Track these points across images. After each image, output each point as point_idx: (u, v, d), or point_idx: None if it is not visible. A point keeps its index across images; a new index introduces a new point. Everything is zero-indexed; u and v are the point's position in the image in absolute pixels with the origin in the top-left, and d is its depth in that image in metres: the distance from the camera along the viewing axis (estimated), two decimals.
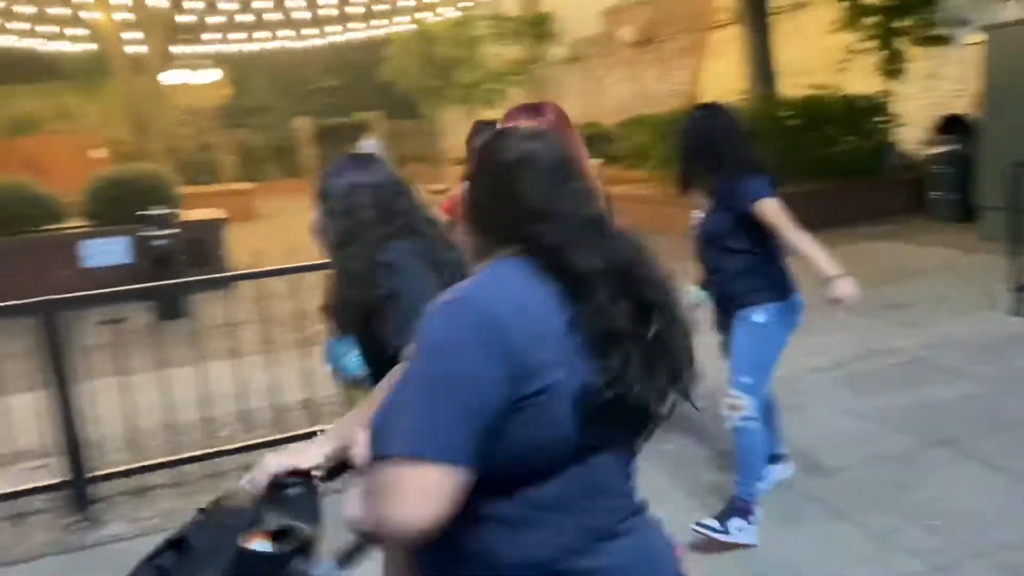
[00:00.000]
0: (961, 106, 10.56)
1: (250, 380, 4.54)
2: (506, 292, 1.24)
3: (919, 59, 11.37)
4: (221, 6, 18.89)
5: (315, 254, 4.04)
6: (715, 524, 3.26)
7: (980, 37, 9.69)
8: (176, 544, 1.43)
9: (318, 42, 23.13)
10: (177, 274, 7.42)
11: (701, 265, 3.49)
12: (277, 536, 1.41)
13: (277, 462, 1.58)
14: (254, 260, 4.46)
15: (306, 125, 26.57)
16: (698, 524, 3.26)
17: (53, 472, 4.07)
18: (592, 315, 1.22)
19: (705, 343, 3.47)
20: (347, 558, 1.42)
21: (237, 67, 24.34)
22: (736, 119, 3.40)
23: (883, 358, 5.40)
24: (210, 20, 19.65)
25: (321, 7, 19.68)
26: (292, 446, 1.73)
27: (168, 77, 19.50)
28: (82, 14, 17.71)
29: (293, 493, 1.53)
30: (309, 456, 1.61)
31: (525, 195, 1.32)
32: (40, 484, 4.04)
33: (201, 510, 1.51)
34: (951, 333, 5.78)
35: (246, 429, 4.52)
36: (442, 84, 21.68)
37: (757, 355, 3.29)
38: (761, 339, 3.28)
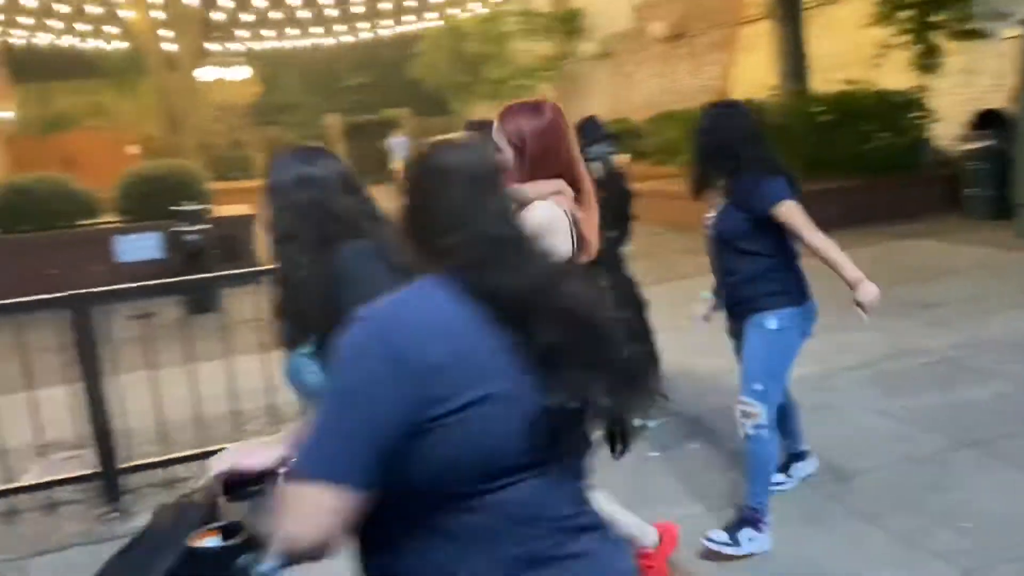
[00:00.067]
0: (998, 101, 10.36)
1: (278, 374, 4.57)
2: (419, 311, 1.22)
3: (955, 54, 11.17)
4: (253, 3, 19.05)
5: None
6: (724, 537, 3.21)
7: (1018, 31, 9.50)
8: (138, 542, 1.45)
9: (348, 39, 23.24)
10: (208, 269, 7.52)
11: (714, 268, 3.41)
12: (227, 533, 1.43)
13: (224, 462, 1.59)
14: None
15: (336, 122, 26.75)
16: (708, 539, 3.22)
17: (84, 463, 4.14)
18: (515, 334, 1.20)
19: (714, 349, 3.49)
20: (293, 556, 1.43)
21: (268, 64, 24.58)
22: (755, 118, 3.33)
23: (913, 357, 5.32)
24: (242, 18, 19.82)
25: (352, 4, 19.77)
26: (246, 444, 1.73)
27: (201, 74, 19.70)
28: (118, 12, 17.95)
29: (248, 491, 1.55)
30: (260, 457, 1.62)
31: (440, 209, 1.29)
32: (71, 475, 4.11)
33: (162, 507, 1.53)
34: (983, 333, 5.68)
35: (273, 423, 4.55)
36: (471, 80, 21.69)
37: (770, 362, 3.21)
38: (774, 345, 3.20)
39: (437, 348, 1.18)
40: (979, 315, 6.12)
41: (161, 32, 17.53)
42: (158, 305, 6.16)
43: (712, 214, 3.35)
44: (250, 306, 4.32)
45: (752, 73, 14.25)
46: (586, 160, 4.80)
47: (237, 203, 12.02)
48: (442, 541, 1.22)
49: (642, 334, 5.01)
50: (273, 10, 19.77)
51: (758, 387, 3.19)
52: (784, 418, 3.51)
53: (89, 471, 4.05)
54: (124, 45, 20.06)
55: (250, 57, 22.57)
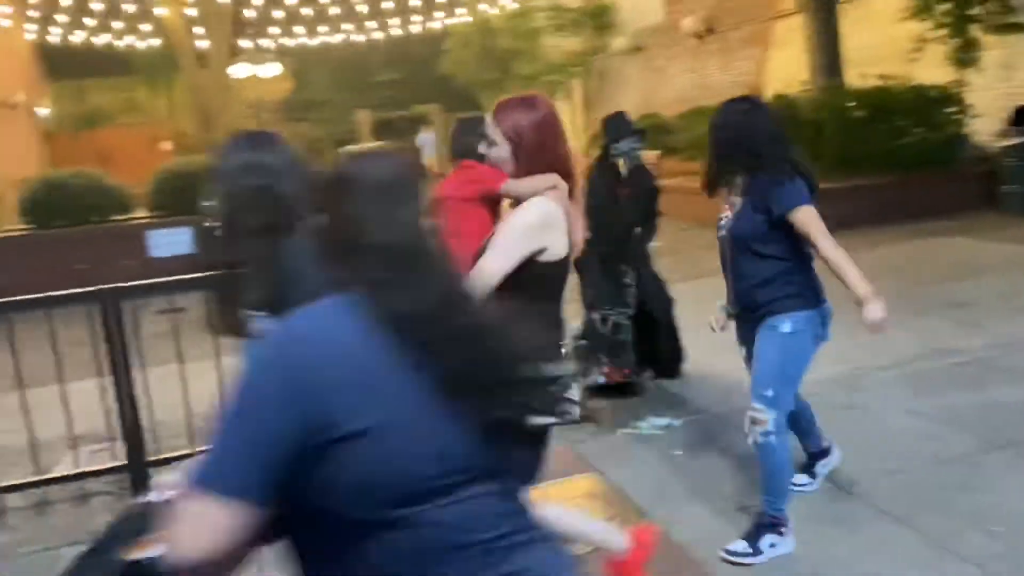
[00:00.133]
0: None
1: None
2: (321, 332, 1.20)
3: (994, 48, 10.95)
4: (285, 0, 19.19)
5: None
6: (744, 547, 3.16)
7: None
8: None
9: (379, 36, 23.32)
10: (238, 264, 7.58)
11: (726, 270, 3.30)
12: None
13: (172, 481, 1.58)
14: None
15: (366, 118, 26.87)
16: (726, 551, 3.17)
17: (115, 456, 4.20)
18: (417, 357, 1.18)
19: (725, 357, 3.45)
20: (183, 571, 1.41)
21: (299, 61, 24.74)
22: (776, 116, 3.24)
23: (945, 357, 5.23)
24: (274, 14, 19.97)
25: (382, 0, 19.84)
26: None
27: (233, 71, 19.89)
28: (151, 10, 18.17)
29: None
30: None
31: (345, 220, 1.26)
32: (102, 467, 4.17)
33: (109, 521, 1.53)
34: (1016, 332, 5.57)
35: None
36: (501, 76, 21.67)
37: (782, 367, 3.10)
38: (787, 350, 3.09)
39: (336, 371, 1.16)
40: (1012, 314, 6.00)
41: (194, 29, 17.72)
42: (188, 300, 6.23)
43: (727, 214, 3.25)
44: None
45: (785, 68, 14.09)
46: (612, 156, 4.84)
47: None
48: (366, 566, 1.20)
49: (669, 332, 4.99)
50: (304, 7, 19.89)
51: (768, 393, 3.09)
52: (796, 419, 3.42)
53: (119, 463, 4.11)
54: (157, 42, 20.29)
55: (281, 54, 22.74)
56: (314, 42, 22.83)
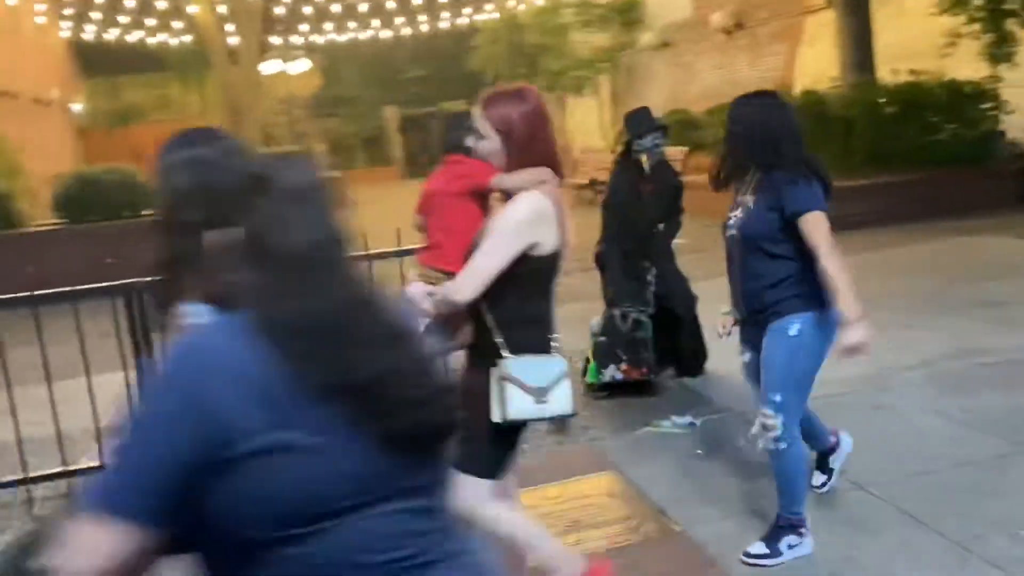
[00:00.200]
0: None
1: None
2: (221, 348, 1.16)
3: None
4: None
5: (387, 241, 4.10)
6: (762, 548, 3.12)
7: None
8: None
9: (407, 32, 23.41)
10: None
11: (732, 270, 3.21)
12: None
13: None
14: None
15: (394, 115, 26.98)
16: (745, 554, 3.13)
17: None
18: (319, 366, 1.15)
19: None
20: None
21: (328, 58, 24.89)
22: (795, 114, 3.15)
23: (975, 357, 5.14)
24: (303, 11, 20.12)
25: None
26: None
27: (263, 68, 20.06)
28: (183, 8, 18.39)
29: None
30: None
31: (252, 224, 1.21)
32: None
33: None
34: None
35: None
36: (529, 72, 21.65)
37: (792, 370, 3.02)
38: (796, 353, 3.00)
39: (235, 388, 1.12)
40: None
41: (224, 27, 17.90)
42: None
43: (737, 212, 3.14)
44: None
45: (814, 64, 13.93)
46: (635, 152, 4.81)
47: None
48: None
49: (691, 330, 4.95)
50: (333, 3, 20.01)
51: (777, 398, 3.02)
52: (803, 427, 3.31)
53: None
54: (189, 39, 20.53)
55: (310, 50, 22.90)
56: (343, 39, 22.97)
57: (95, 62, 22.46)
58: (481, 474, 2.48)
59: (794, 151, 3.01)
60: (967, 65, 10.91)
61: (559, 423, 2.58)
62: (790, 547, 3.12)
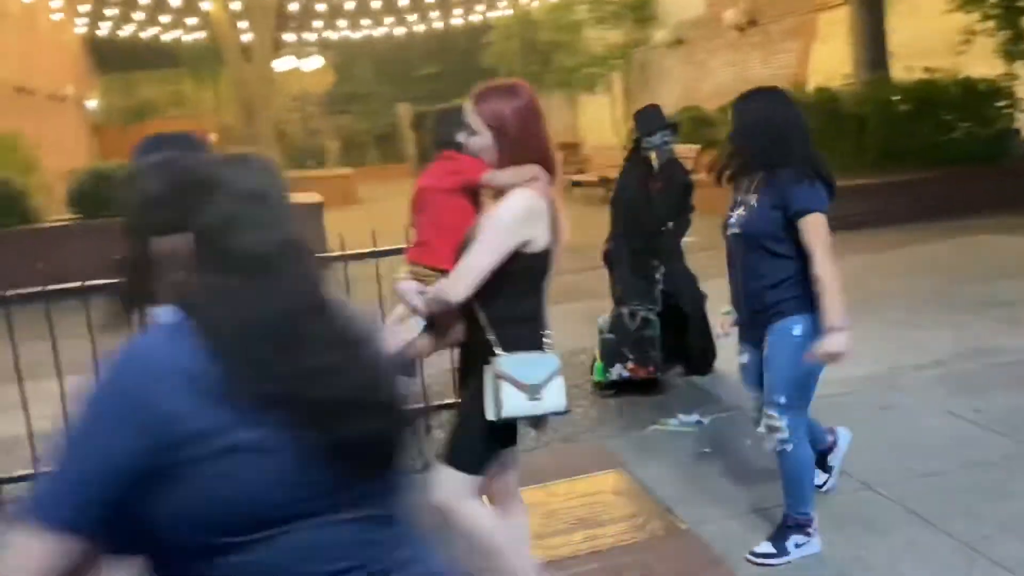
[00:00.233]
0: None
1: None
2: (163, 354, 1.14)
3: None
4: None
5: (398, 238, 4.10)
6: (768, 548, 3.12)
7: None
8: None
9: (420, 29, 23.43)
10: None
11: (733, 270, 3.18)
12: None
13: None
14: (336, 244, 4.55)
15: (407, 112, 27.01)
16: (753, 554, 3.12)
17: None
18: (263, 371, 1.12)
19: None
20: None
21: (342, 54, 24.94)
22: (801, 112, 3.11)
23: (987, 357, 5.10)
24: (316, 8, 20.16)
25: None
26: None
27: (276, 64, 20.14)
28: (197, 4, 18.47)
29: None
30: None
31: (202, 227, 1.19)
32: None
33: None
34: None
35: None
36: (542, 69, 21.63)
37: (796, 371, 2.98)
38: (800, 354, 2.95)
39: (176, 394, 1.11)
40: None
41: (238, 24, 17.97)
42: None
43: (739, 211, 3.09)
44: None
45: (828, 62, 13.86)
46: (644, 149, 4.80)
47: (309, 191, 12.25)
48: None
49: (699, 328, 4.94)
50: (347, 1, 20.05)
51: (782, 400, 3.01)
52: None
53: None
54: (203, 36, 20.62)
55: (324, 47, 22.95)
56: (356, 35, 23.02)
57: (110, 58, 22.59)
58: (466, 469, 2.48)
59: (802, 149, 2.98)
60: (982, 62, 10.83)
61: (538, 421, 2.56)
62: (797, 546, 3.11)
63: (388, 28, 22.99)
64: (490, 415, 2.40)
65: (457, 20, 22.94)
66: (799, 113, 3.09)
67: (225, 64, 18.89)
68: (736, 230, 3.09)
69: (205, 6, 17.99)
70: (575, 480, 3.93)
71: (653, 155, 4.80)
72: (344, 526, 1.19)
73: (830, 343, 2.84)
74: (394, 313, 2.61)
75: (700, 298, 4.97)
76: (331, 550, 1.18)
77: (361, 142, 27.06)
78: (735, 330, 3.28)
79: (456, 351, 2.72)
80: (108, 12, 18.99)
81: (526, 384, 2.38)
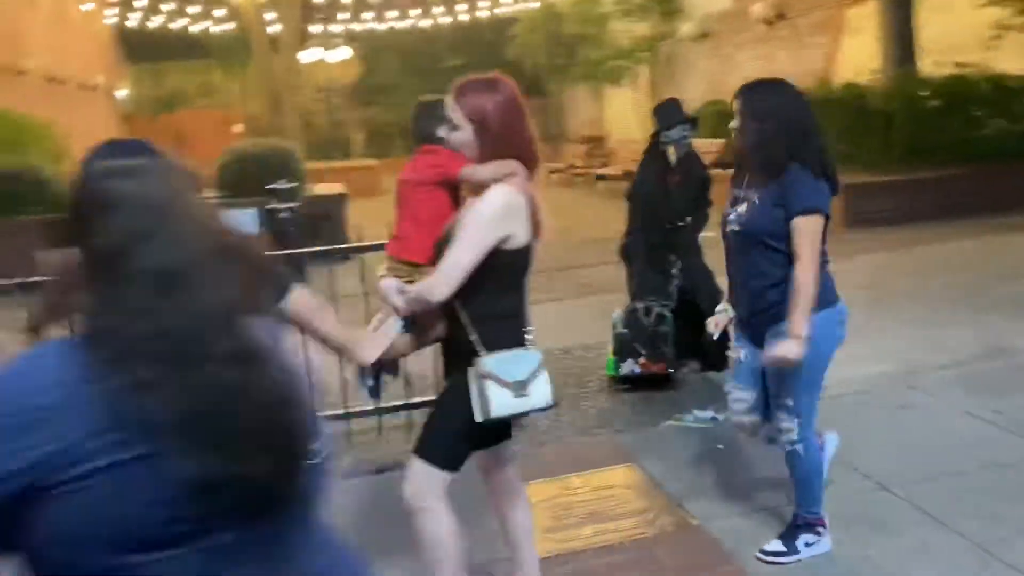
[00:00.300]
0: None
1: None
2: (44, 371, 1.10)
3: None
4: None
5: None
6: (778, 546, 3.10)
7: None
8: None
9: (446, 21, 23.44)
10: (299, 246, 7.74)
11: (732, 269, 3.11)
12: None
13: None
14: (357, 235, 4.58)
15: None
16: (763, 552, 3.11)
17: None
18: (141, 393, 1.07)
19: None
20: None
21: (367, 46, 25.01)
22: (809, 106, 3.01)
23: (1009, 358, 5.03)
24: (342, 0, 20.24)
25: None
26: None
27: (303, 56, 20.25)
28: None
29: None
30: None
31: (99, 244, 1.13)
32: None
33: None
34: None
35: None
36: (568, 62, 21.55)
37: (802, 374, 2.92)
38: (806, 356, 2.88)
39: (61, 412, 1.07)
40: None
41: (265, 15, 18.08)
42: None
43: (740, 208, 3.01)
44: (338, 282, 4.44)
45: (856, 56, 13.68)
46: (663, 144, 4.78)
47: (334, 182, 12.34)
48: None
49: None
50: None
51: (790, 402, 2.97)
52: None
53: None
54: (231, 27, 20.76)
55: (350, 39, 23.03)
56: (382, 27, 23.08)
57: (139, 49, 22.80)
58: (440, 465, 2.49)
59: (814, 145, 2.91)
60: (1014, 58, 10.65)
61: (523, 420, 2.55)
62: (807, 545, 3.10)
63: (414, 20, 23.03)
64: (478, 417, 2.37)
65: (483, 13, 22.92)
66: (808, 104, 3.00)
67: (252, 55, 19.02)
68: (736, 227, 3.00)
69: None
70: (588, 474, 3.93)
71: (671, 149, 4.77)
72: (230, 548, 1.12)
73: (784, 348, 2.81)
74: (374, 321, 2.60)
75: (717, 294, 4.93)
76: (242, 568, 1.14)
77: (386, 134, 27.11)
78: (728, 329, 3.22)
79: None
80: (137, 3, 19.18)
81: (511, 382, 2.36)
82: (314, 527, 1.26)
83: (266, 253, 1.80)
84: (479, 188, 2.40)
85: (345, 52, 22.82)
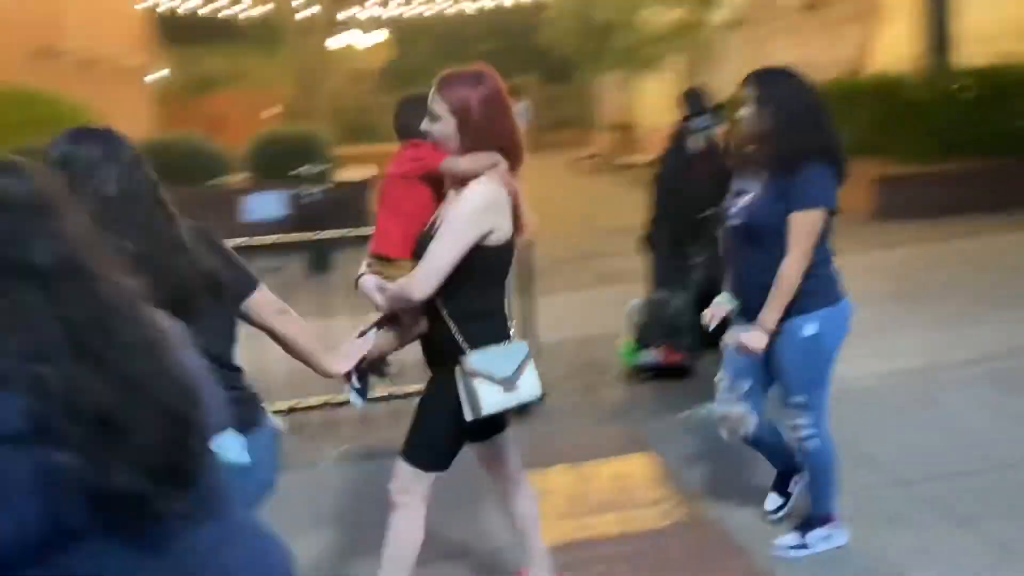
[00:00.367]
0: None
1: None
2: None
3: None
4: None
5: None
6: (794, 540, 3.09)
7: None
8: None
9: (478, 5, 23.37)
10: (326, 229, 7.80)
11: (734, 264, 3.07)
12: None
13: None
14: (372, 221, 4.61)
15: None
16: (777, 545, 3.10)
17: None
18: (34, 395, 1.04)
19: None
20: None
21: (399, 31, 25.02)
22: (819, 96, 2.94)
23: None
24: None
25: None
26: None
27: (336, 40, 20.30)
28: None
29: None
30: None
31: None
32: None
33: None
34: None
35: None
36: (599, 49, 21.40)
37: (810, 371, 2.91)
38: (811, 353, 2.88)
39: None
40: None
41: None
42: (279, 263, 6.48)
43: (742, 201, 2.95)
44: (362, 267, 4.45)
45: (892, 45, 13.46)
46: (688, 133, 4.74)
47: (363, 166, 12.39)
48: None
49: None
50: None
51: (800, 400, 2.95)
52: (760, 440, 3.23)
53: None
54: (264, 11, 20.85)
55: (382, 24, 23.04)
56: (413, 12, 23.05)
57: (173, 32, 22.98)
58: (422, 466, 2.49)
59: (828, 138, 2.85)
60: None
61: (523, 410, 2.54)
62: (822, 539, 3.09)
63: (445, 5, 22.98)
64: (468, 415, 2.34)
65: None
66: (816, 92, 2.91)
67: (284, 39, 19.11)
68: (738, 221, 2.95)
69: None
70: (603, 463, 3.94)
71: (695, 138, 4.73)
72: (108, 554, 1.09)
73: (749, 338, 2.85)
74: (360, 326, 2.59)
75: None
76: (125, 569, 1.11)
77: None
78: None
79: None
80: None
81: (499, 378, 2.34)
82: (226, 519, 1.24)
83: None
84: (461, 181, 2.37)
85: (377, 36, 22.84)
